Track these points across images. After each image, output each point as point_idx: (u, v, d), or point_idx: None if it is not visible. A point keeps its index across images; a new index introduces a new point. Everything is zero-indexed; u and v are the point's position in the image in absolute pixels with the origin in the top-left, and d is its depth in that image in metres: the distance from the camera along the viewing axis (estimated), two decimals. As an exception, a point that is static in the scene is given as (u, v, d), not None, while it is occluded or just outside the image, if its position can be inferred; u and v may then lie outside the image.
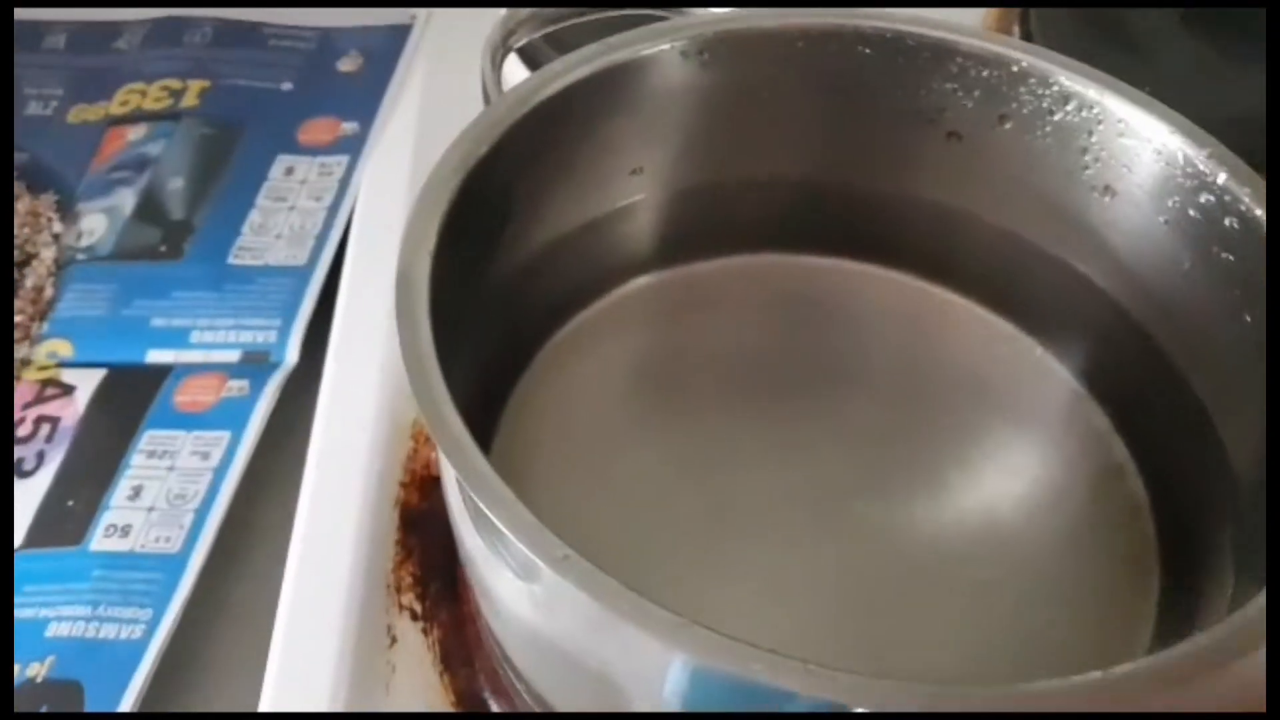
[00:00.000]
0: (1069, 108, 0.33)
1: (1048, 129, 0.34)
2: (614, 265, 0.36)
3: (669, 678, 0.24)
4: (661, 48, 0.33)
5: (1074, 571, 0.33)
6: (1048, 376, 0.36)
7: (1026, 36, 0.50)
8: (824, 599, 0.32)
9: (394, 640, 0.35)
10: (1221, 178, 0.31)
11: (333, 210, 0.45)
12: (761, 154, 0.36)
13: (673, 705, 0.24)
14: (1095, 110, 0.33)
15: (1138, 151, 0.32)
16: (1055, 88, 0.33)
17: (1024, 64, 0.33)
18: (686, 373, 0.36)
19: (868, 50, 0.34)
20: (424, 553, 0.37)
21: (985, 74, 0.34)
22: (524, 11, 0.35)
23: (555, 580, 0.23)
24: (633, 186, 0.36)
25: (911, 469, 0.34)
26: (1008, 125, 0.34)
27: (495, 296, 0.32)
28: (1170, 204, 0.32)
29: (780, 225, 0.37)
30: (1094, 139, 0.33)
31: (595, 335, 0.36)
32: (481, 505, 0.23)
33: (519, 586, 0.26)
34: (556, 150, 0.33)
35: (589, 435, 0.34)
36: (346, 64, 0.50)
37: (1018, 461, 0.35)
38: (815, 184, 0.37)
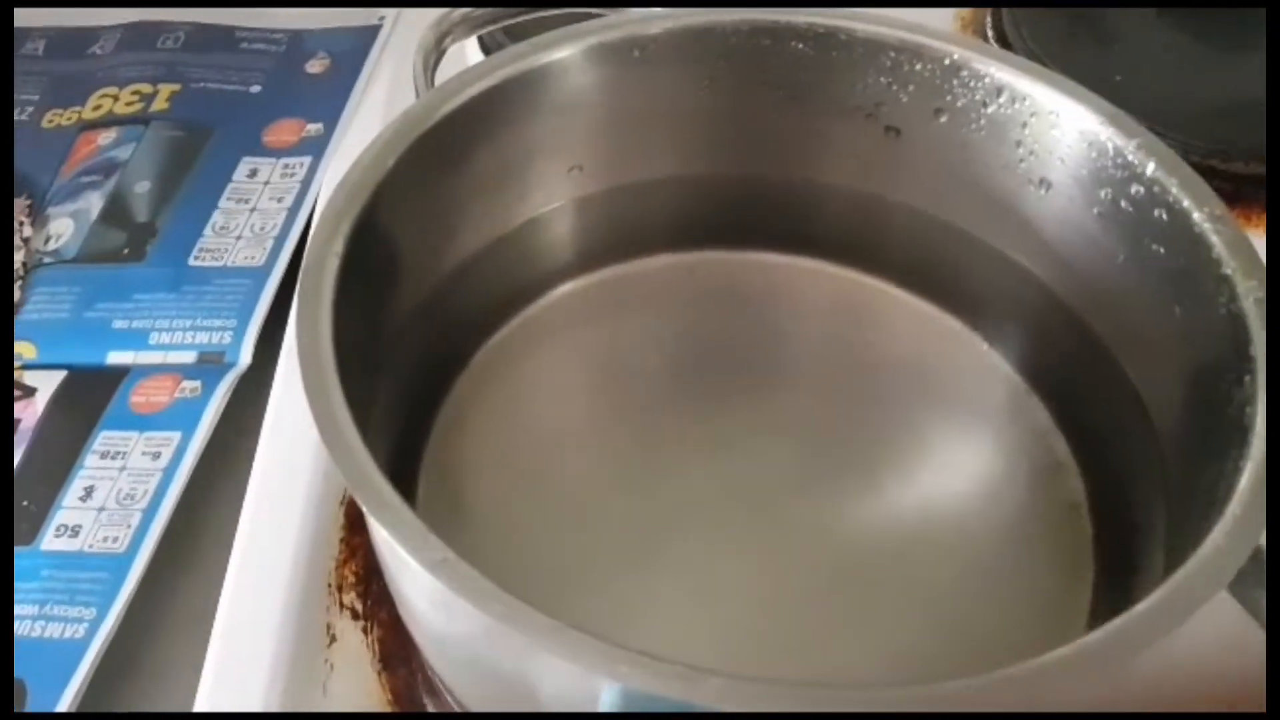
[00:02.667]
0: (1001, 100, 0.33)
1: (982, 122, 0.33)
2: (541, 271, 0.36)
3: (559, 680, 0.24)
4: (589, 45, 0.33)
5: (1010, 569, 0.32)
6: (988, 371, 0.36)
7: (1000, 36, 0.49)
8: (755, 598, 0.32)
9: (333, 639, 0.35)
10: (1150, 168, 0.30)
11: (293, 211, 0.45)
12: (696, 151, 0.36)
13: (574, 706, 0.24)
14: (1027, 102, 0.32)
15: (1070, 143, 0.32)
16: (987, 79, 0.33)
17: (955, 56, 0.33)
18: (619, 375, 0.35)
19: (801, 45, 0.34)
20: (368, 552, 0.37)
21: (918, 68, 0.33)
22: (456, 13, 0.35)
23: (439, 588, 0.23)
24: (563, 187, 0.36)
25: (848, 465, 0.34)
26: (943, 119, 0.34)
27: (421, 307, 0.32)
28: (1103, 195, 0.32)
29: (716, 222, 0.37)
30: (1027, 131, 0.33)
31: (526, 342, 0.36)
32: (366, 510, 0.23)
33: (419, 588, 0.26)
34: (476, 154, 0.33)
35: (522, 441, 0.34)
36: (315, 65, 0.51)
37: (956, 457, 0.35)
38: (752, 180, 0.36)
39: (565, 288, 0.36)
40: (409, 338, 0.33)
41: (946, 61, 0.33)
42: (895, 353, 0.36)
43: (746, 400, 0.35)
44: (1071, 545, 0.32)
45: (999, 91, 0.33)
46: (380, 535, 0.26)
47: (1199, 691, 0.31)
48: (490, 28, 0.36)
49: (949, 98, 0.34)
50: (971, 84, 0.33)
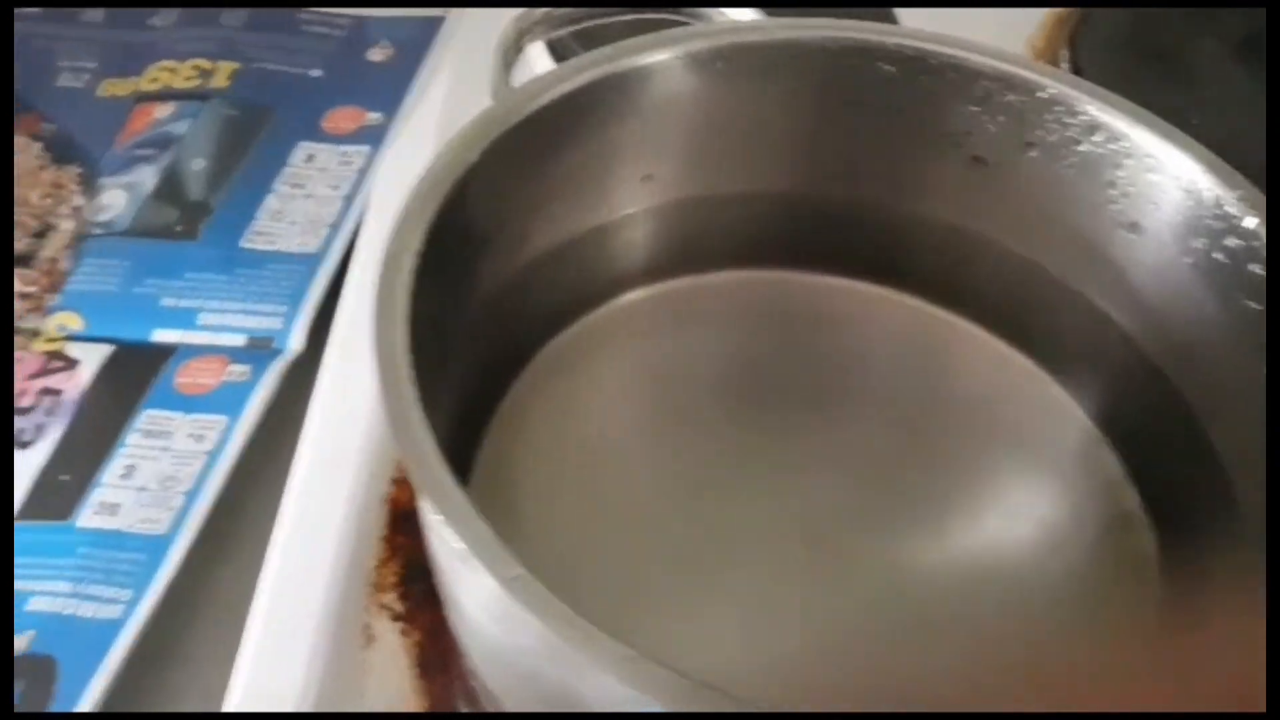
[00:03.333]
0: (1096, 138, 0.32)
1: (1074, 159, 0.33)
2: (613, 275, 0.35)
3: (626, 706, 0.23)
4: (674, 54, 0.32)
5: (1073, 619, 0.32)
6: (1061, 415, 0.35)
7: (1076, 70, 0.49)
8: (808, 631, 0.31)
9: (371, 640, 0.34)
10: (1251, 222, 0.29)
11: (349, 200, 0.45)
12: (774, 167, 0.35)
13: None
14: (1124, 143, 0.32)
15: (1166, 188, 0.31)
16: (1083, 117, 0.32)
17: (1051, 90, 0.32)
18: (683, 389, 0.35)
19: (890, 68, 0.33)
20: (410, 553, 0.36)
21: (1011, 98, 0.33)
22: (538, 12, 0.35)
23: (509, 603, 0.22)
24: (637, 195, 0.35)
25: (910, 501, 0.33)
26: (1033, 152, 0.33)
27: (487, 305, 0.32)
28: (1196, 245, 0.31)
29: (790, 241, 0.36)
30: (1121, 173, 0.32)
31: (591, 346, 0.35)
32: (439, 518, 0.23)
33: (478, 600, 0.26)
34: (556, 156, 0.32)
35: (579, 449, 0.34)
36: (376, 53, 0.50)
37: (1023, 501, 0.34)
38: (829, 201, 0.35)
39: (630, 296, 0.36)
40: (471, 339, 0.32)
41: (1041, 94, 0.32)
42: (964, 388, 0.35)
43: (809, 426, 0.34)
44: (1136, 599, 0.32)
45: (1094, 129, 0.32)
46: (447, 545, 0.26)
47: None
48: (569, 28, 0.35)
49: (1040, 131, 0.33)
50: (1066, 119, 0.32)
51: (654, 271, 0.36)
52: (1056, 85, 0.32)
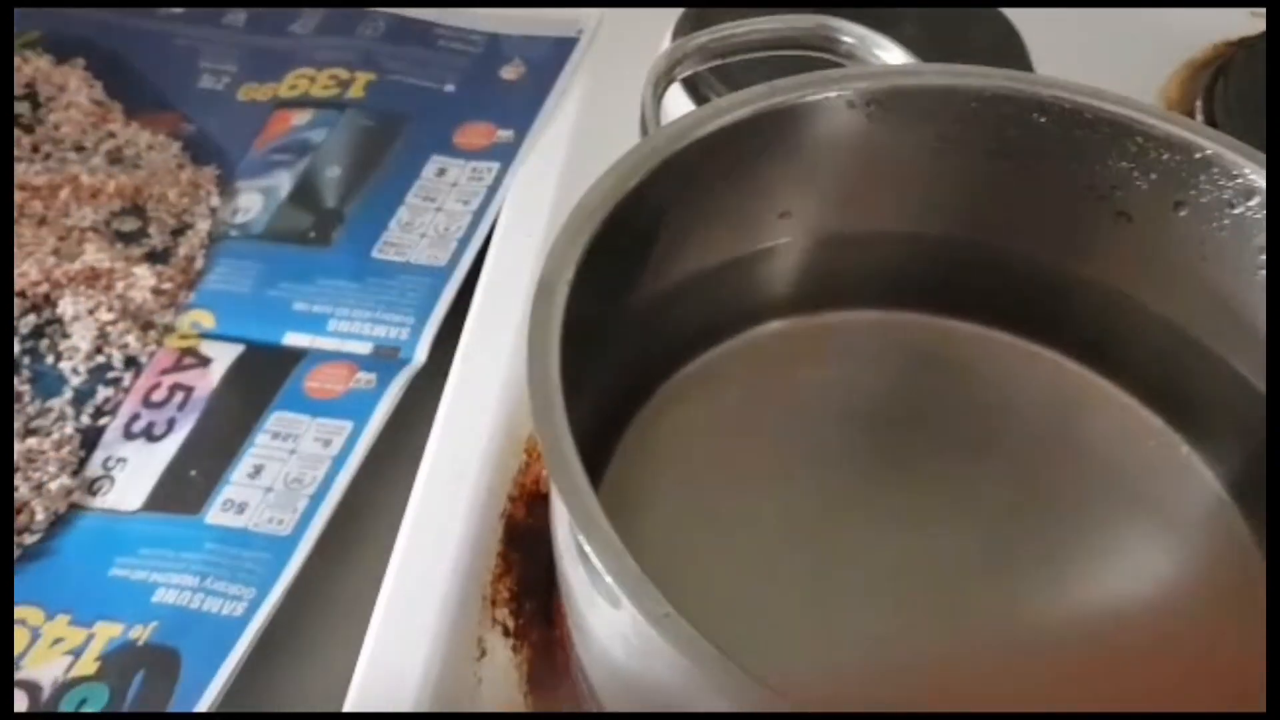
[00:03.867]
0: (1252, 203, 0.31)
1: (1226, 222, 0.32)
2: (751, 306, 0.36)
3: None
4: (828, 95, 0.32)
5: (1190, 684, 0.31)
6: (1192, 478, 0.34)
7: (1210, 119, 0.48)
8: (923, 674, 0.31)
9: (483, 653, 0.35)
10: None
11: (478, 215, 0.45)
12: (917, 211, 0.35)
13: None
14: (1281, 209, 0.31)
15: (1321, 258, 0.30)
16: (1239, 180, 0.31)
17: (1209, 152, 0.32)
18: (811, 423, 0.35)
19: (1043, 119, 0.33)
20: (524, 569, 0.37)
21: (1165, 157, 0.32)
22: (692, 43, 0.35)
23: (653, 638, 0.22)
24: (780, 229, 0.35)
25: (1034, 552, 0.33)
26: (1183, 212, 0.33)
27: (627, 326, 0.32)
28: (1350, 317, 0.30)
29: (927, 285, 0.36)
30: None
31: (723, 373, 0.35)
32: (589, 551, 0.23)
33: (616, 630, 0.26)
34: (709, 186, 0.32)
35: (704, 474, 0.34)
36: (509, 71, 0.51)
37: (1148, 562, 0.33)
38: (969, 246, 0.35)
39: (766, 328, 0.36)
40: (608, 365, 0.32)
41: (1197, 155, 0.32)
42: (1094, 444, 0.35)
43: (936, 471, 0.34)
44: (1255, 666, 0.31)
45: (1251, 194, 0.31)
46: (595, 577, 0.26)
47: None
48: (721, 61, 0.36)
49: (1193, 192, 0.32)
50: (1221, 182, 0.32)
51: (791, 306, 0.36)
52: (1214, 146, 0.32)
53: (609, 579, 0.23)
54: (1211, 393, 0.34)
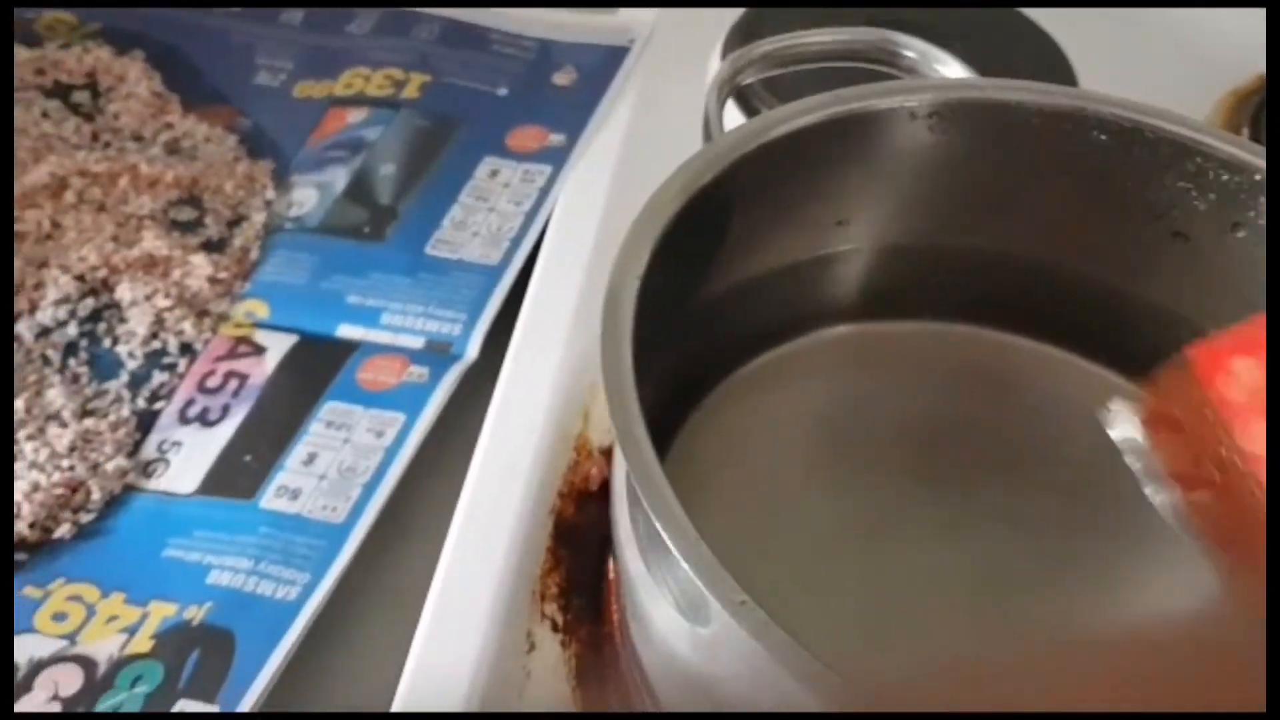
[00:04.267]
0: (1311, 225, 0.32)
1: (1283, 243, 0.33)
2: (809, 310, 0.36)
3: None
4: (891, 105, 0.33)
5: (1229, 694, 0.31)
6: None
7: (1256, 138, 0.48)
8: (970, 682, 0.31)
9: (532, 646, 0.35)
10: None
11: (530, 216, 0.46)
12: (974, 223, 0.35)
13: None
14: (1340, 232, 0.31)
15: (1380, 281, 0.31)
16: (1300, 202, 0.32)
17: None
18: (866, 430, 0.35)
19: (1103, 136, 0.33)
20: (572, 565, 0.37)
21: (1225, 178, 0.33)
22: (756, 51, 0.36)
23: (728, 625, 0.23)
24: (839, 237, 0.35)
25: (1081, 565, 0.33)
26: (1240, 233, 0.33)
27: (691, 324, 0.33)
28: None
29: (982, 297, 0.36)
30: (1333, 260, 0.32)
31: (781, 376, 0.36)
32: (667, 539, 0.23)
33: (679, 621, 0.26)
34: (772, 191, 0.33)
35: (758, 474, 0.34)
36: (561, 77, 0.52)
37: (1197, 579, 0.34)
38: (1024, 261, 0.36)
39: (820, 334, 0.36)
40: (667, 362, 0.33)
41: (1257, 177, 0.32)
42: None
43: (986, 484, 0.34)
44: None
45: (1310, 216, 0.32)
46: (640, 567, 0.26)
47: None
48: (781, 70, 0.36)
49: (1252, 213, 0.33)
50: (1281, 204, 0.32)
51: (850, 313, 0.36)
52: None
53: (686, 566, 0.23)
54: (1262, 412, 0.34)
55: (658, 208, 0.29)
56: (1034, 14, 0.52)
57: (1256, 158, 0.32)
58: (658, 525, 0.24)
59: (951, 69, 0.36)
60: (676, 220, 0.29)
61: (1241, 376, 0.28)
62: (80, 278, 0.44)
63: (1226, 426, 0.28)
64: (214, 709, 0.33)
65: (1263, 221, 0.33)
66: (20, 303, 0.43)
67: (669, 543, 0.23)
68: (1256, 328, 0.29)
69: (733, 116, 0.46)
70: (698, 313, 0.33)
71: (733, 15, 0.51)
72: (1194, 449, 0.30)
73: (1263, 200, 0.32)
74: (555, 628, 0.36)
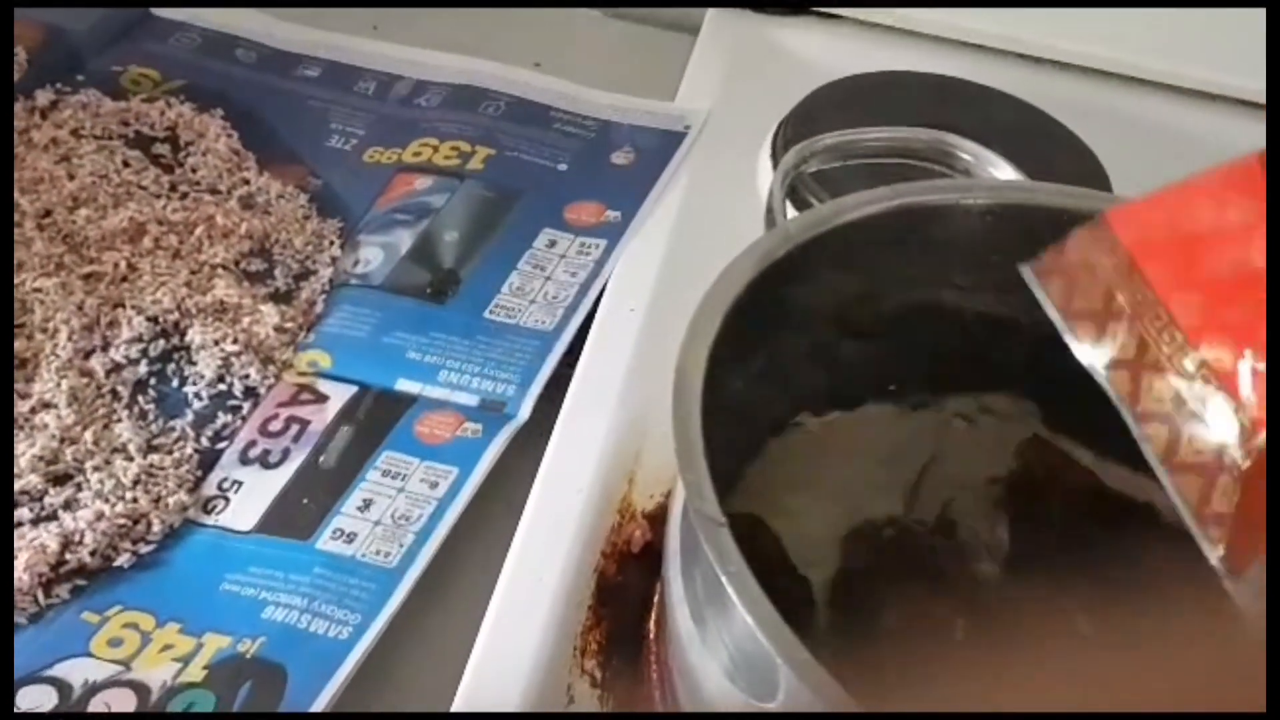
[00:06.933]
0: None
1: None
2: (853, 386, 0.37)
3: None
4: (949, 201, 0.35)
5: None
6: None
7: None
8: None
9: (571, 700, 0.36)
10: None
11: (585, 287, 0.48)
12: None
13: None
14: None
15: None
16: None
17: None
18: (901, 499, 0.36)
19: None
20: (612, 624, 0.38)
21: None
22: (820, 144, 0.38)
23: (794, 682, 0.24)
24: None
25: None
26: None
27: (750, 390, 0.34)
28: None
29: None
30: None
31: (829, 443, 0.37)
32: (736, 599, 0.25)
33: (725, 681, 0.27)
34: (832, 272, 0.35)
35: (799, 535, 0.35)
36: (620, 157, 0.54)
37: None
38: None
39: (870, 408, 0.38)
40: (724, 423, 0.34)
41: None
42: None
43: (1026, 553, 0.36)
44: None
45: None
46: (688, 624, 0.28)
47: None
48: (845, 162, 0.38)
49: None
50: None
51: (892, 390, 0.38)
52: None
53: (753, 626, 0.24)
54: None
55: (732, 278, 0.31)
56: (1067, 119, 0.55)
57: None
58: (728, 587, 0.25)
59: (1004, 171, 0.38)
60: (745, 295, 0.31)
61: (1156, 233, 0.28)
62: (153, 319, 0.46)
63: (1142, 275, 0.28)
64: (263, 740, 0.34)
65: None
66: (94, 339, 0.45)
67: (735, 599, 0.25)
68: (1172, 194, 0.29)
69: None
70: (758, 381, 0.35)
71: (784, 106, 0.53)
72: (1102, 288, 0.29)
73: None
74: (594, 683, 0.37)
